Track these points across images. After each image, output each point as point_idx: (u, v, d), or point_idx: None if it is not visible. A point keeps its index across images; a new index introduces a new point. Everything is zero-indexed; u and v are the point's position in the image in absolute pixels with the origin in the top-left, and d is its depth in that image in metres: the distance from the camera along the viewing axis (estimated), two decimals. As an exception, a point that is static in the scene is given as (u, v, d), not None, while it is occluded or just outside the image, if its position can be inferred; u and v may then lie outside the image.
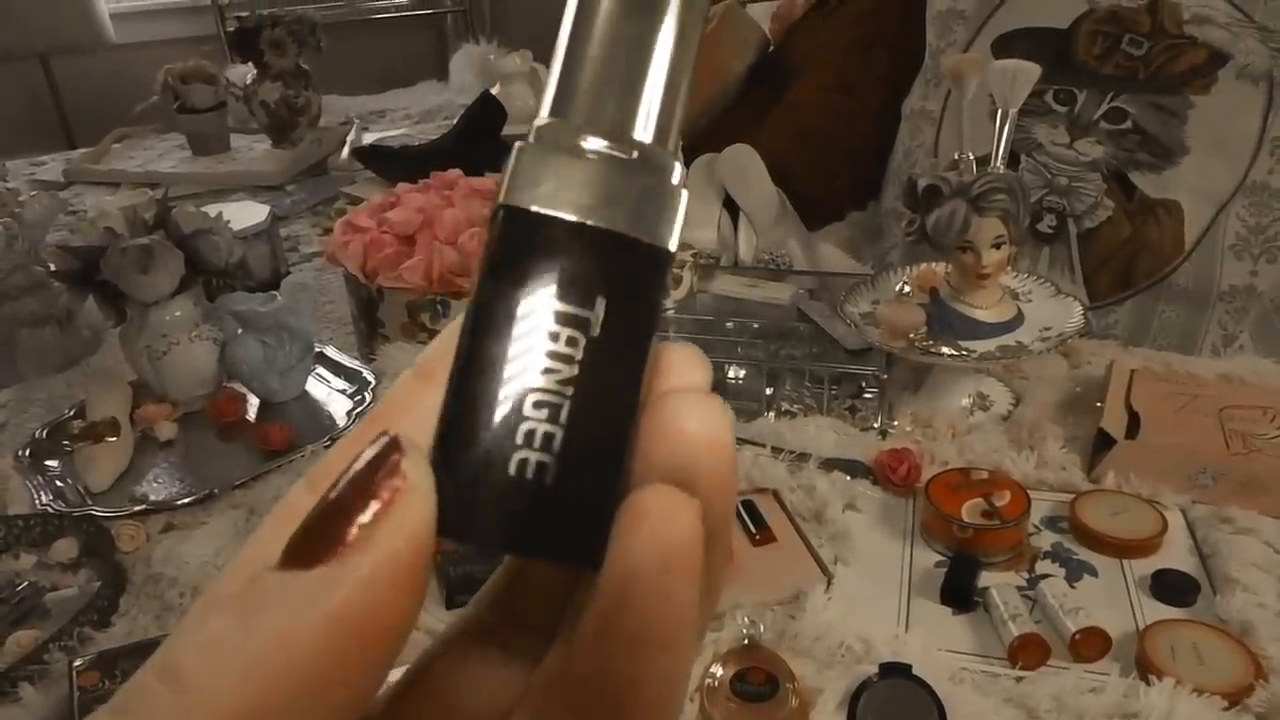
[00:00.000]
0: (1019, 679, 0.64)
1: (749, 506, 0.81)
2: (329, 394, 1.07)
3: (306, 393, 1.07)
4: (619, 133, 0.18)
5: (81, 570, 0.82)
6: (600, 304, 0.18)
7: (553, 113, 0.18)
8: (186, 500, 0.88)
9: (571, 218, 0.18)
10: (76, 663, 0.67)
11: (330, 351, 1.12)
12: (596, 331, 0.17)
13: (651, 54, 0.19)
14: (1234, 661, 0.63)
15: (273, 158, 2.01)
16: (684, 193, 0.19)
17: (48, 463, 0.96)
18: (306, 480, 0.18)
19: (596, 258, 0.18)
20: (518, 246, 0.18)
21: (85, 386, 1.06)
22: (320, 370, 1.10)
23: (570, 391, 0.17)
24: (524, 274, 0.17)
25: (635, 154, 0.18)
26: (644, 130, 0.19)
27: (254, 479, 0.90)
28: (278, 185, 1.91)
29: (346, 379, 1.08)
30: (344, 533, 0.15)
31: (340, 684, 0.15)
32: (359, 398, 1.03)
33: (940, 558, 0.76)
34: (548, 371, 0.17)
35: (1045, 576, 0.74)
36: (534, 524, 0.17)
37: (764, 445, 0.88)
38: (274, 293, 1.05)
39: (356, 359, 1.11)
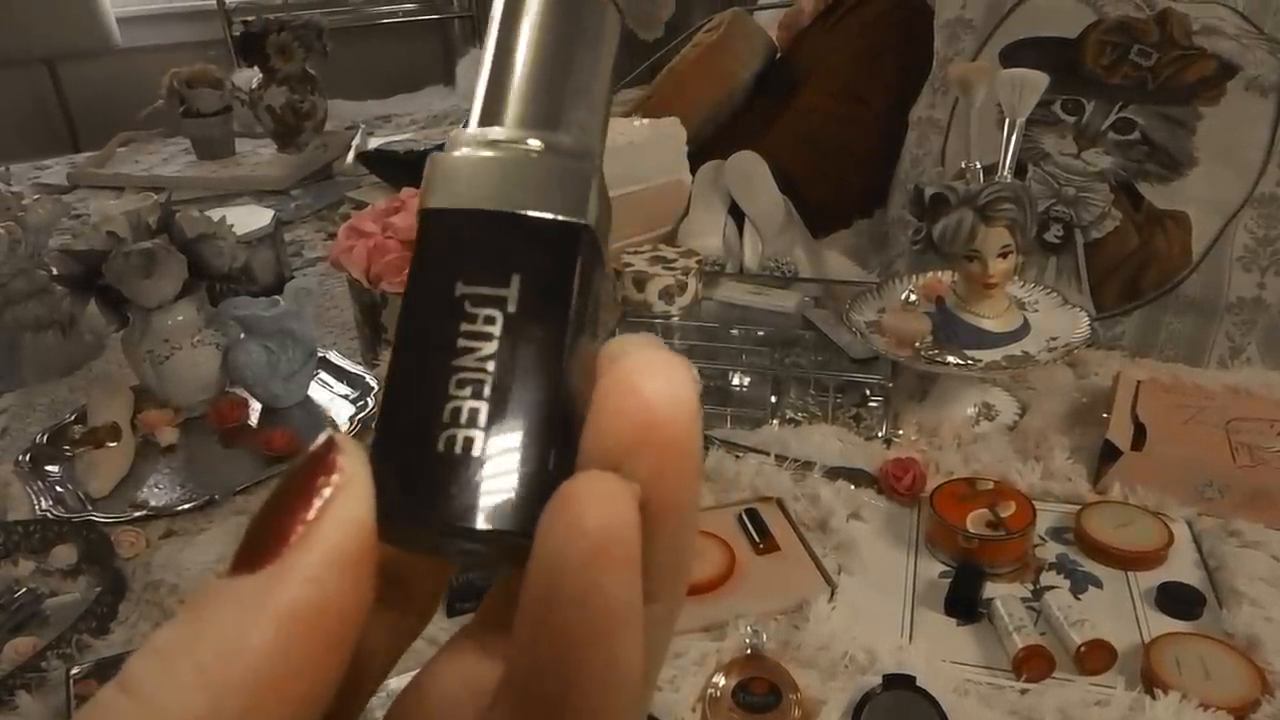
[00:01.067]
0: (1024, 691, 0.64)
1: (753, 515, 0.80)
2: (332, 399, 1.06)
3: (309, 398, 1.07)
4: (533, 132, 0.19)
5: (81, 576, 0.81)
6: (515, 281, 0.18)
7: (476, 124, 0.20)
8: (187, 506, 0.87)
9: (474, 206, 0.19)
10: (74, 671, 0.67)
11: (333, 357, 1.12)
12: (513, 308, 0.18)
13: (569, 59, 0.20)
14: (1240, 676, 0.63)
15: (278, 162, 2.01)
16: (598, 175, 0.19)
17: (48, 468, 0.96)
18: None
19: (505, 239, 0.18)
20: (432, 242, 0.19)
21: (87, 391, 1.06)
22: (323, 375, 1.10)
23: (491, 366, 0.18)
24: (437, 265, 0.18)
25: (536, 142, 0.19)
26: (562, 128, 0.19)
27: (256, 485, 0.89)
28: (283, 190, 1.91)
29: (349, 384, 1.08)
30: (287, 532, 0.15)
31: (295, 680, 0.15)
32: (362, 403, 1.02)
33: (945, 568, 0.76)
34: (466, 351, 0.18)
35: (1050, 588, 0.73)
36: (464, 497, 0.17)
37: (768, 453, 0.88)
38: (277, 298, 1.04)
39: (359, 364, 1.11)
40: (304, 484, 0.16)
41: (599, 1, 0.20)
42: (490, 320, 0.18)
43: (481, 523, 0.17)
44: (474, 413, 0.17)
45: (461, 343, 0.18)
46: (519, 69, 0.20)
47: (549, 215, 0.18)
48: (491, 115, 0.19)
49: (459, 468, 0.17)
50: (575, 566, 0.15)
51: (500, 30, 0.20)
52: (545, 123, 0.19)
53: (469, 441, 0.17)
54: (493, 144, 0.19)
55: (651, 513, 0.16)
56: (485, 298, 0.18)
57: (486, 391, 0.18)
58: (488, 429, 0.17)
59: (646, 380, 0.16)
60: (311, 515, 0.16)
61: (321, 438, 0.17)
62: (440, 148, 0.20)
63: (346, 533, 0.16)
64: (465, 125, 0.20)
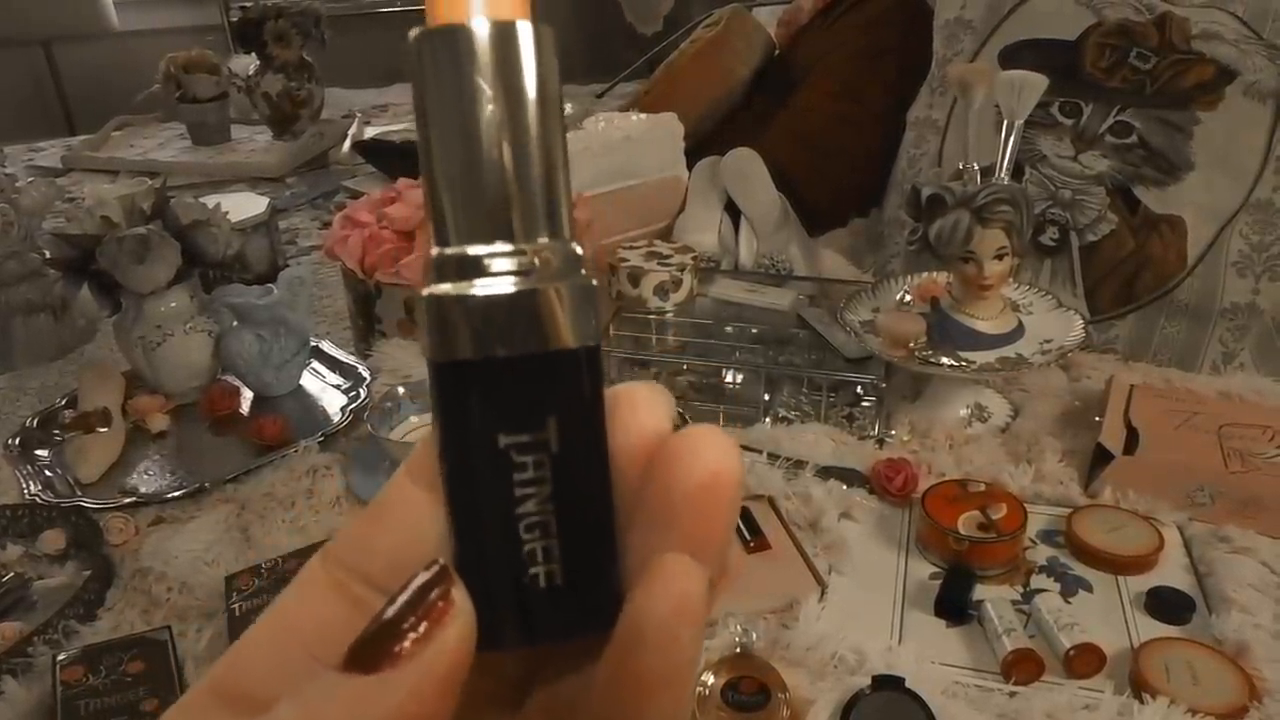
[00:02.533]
0: (1012, 694, 0.64)
1: (744, 513, 0.80)
2: (324, 389, 1.06)
3: (301, 387, 1.06)
4: (514, 240, 0.18)
5: (69, 562, 0.81)
6: (552, 422, 0.19)
7: (442, 243, 0.18)
8: (177, 493, 0.87)
9: (495, 354, 0.18)
10: (61, 657, 0.66)
11: (326, 346, 1.11)
12: (556, 448, 0.19)
13: (525, 145, 0.18)
14: (1229, 682, 0.63)
15: (274, 150, 2.00)
16: (593, 281, 0.19)
17: (38, 452, 0.96)
18: (323, 556, 0.21)
19: (533, 383, 0.18)
20: (458, 395, 0.18)
21: (78, 376, 1.06)
22: (316, 365, 1.09)
23: (551, 507, 0.19)
24: (474, 419, 0.18)
25: (537, 262, 0.18)
26: (540, 227, 0.18)
27: (246, 473, 0.89)
28: (278, 178, 1.90)
29: (342, 374, 1.07)
30: (399, 645, 0.18)
31: None
32: (354, 393, 1.02)
33: (935, 569, 0.76)
34: (525, 498, 0.19)
35: (1040, 591, 0.73)
36: (556, 618, 0.19)
37: (760, 451, 0.87)
38: (270, 286, 1.04)
39: (352, 354, 1.11)
40: (419, 604, 0.18)
41: (544, 39, 0.18)
42: (540, 465, 0.19)
43: (578, 634, 0.19)
44: (548, 550, 0.19)
45: (519, 492, 0.19)
46: (474, 163, 0.18)
47: (569, 348, 0.18)
48: (463, 227, 0.18)
49: (549, 597, 0.19)
50: (661, 622, 0.18)
51: (437, 109, 0.18)
52: (525, 229, 0.18)
53: (553, 575, 0.19)
54: (481, 270, 0.18)
55: (702, 556, 0.19)
56: (529, 445, 0.18)
57: (554, 530, 0.19)
58: (563, 560, 0.19)
59: (711, 451, 0.19)
60: (421, 633, 0.18)
61: (435, 566, 0.19)
62: (439, 268, 0.18)
63: (449, 656, 0.18)
64: (444, 242, 0.18)
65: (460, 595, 0.18)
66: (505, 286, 0.18)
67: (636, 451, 0.20)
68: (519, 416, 0.18)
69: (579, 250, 0.19)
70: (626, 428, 0.20)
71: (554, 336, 0.18)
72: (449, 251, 0.18)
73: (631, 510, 0.20)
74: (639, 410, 0.20)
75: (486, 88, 0.18)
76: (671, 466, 0.19)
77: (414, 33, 0.18)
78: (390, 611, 0.18)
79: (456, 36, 0.18)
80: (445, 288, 0.18)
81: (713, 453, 0.19)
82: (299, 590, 0.21)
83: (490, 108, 0.18)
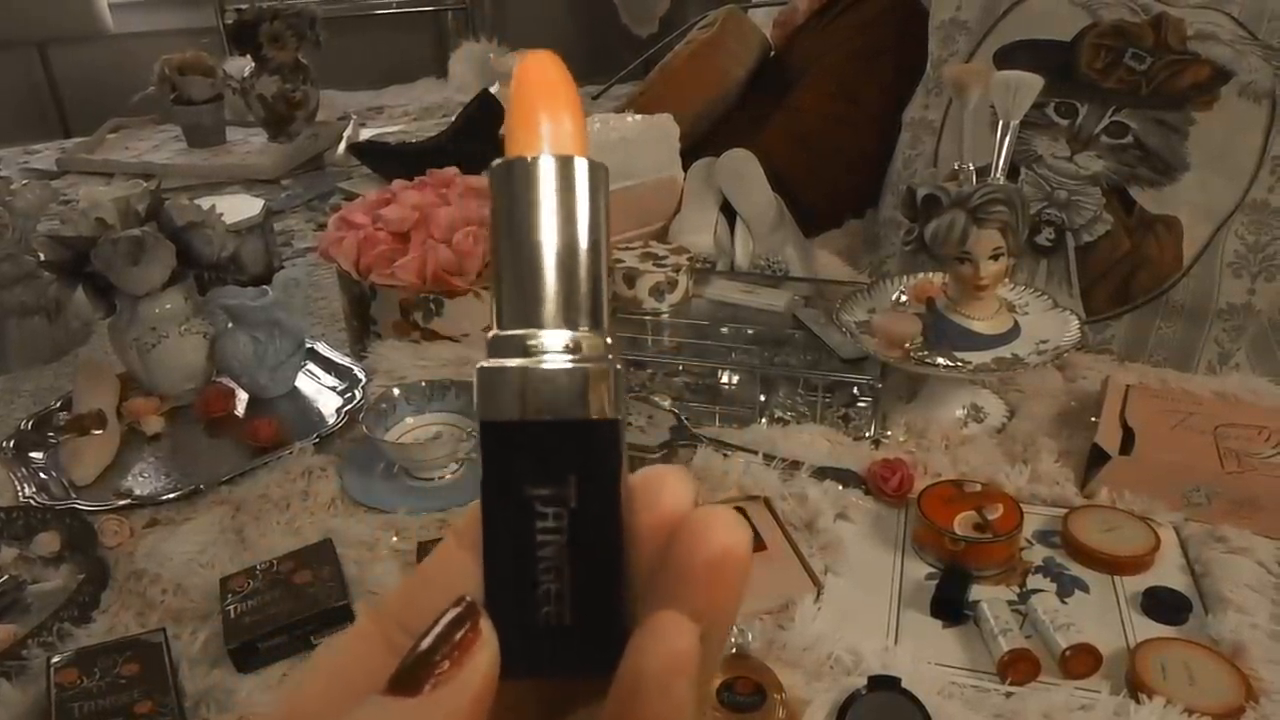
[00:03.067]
0: (1009, 694, 0.64)
1: (740, 514, 0.80)
2: (319, 391, 1.06)
3: (296, 389, 1.06)
4: (557, 327, 0.22)
5: (64, 565, 0.81)
6: (572, 480, 0.22)
7: (501, 325, 0.23)
8: (172, 495, 0.87)
9: (531, 418, 0.22)
10: (55, 659, 0.66)
11: (321, 348, 1.11)
12: (574, 503, 0.22)
13: (575, 255, 0.22)
14: (1225, 682, 0.63)
15: (269, 152, 2.00)
16: (618, 366, 0.23)
17: (32, 455, 0.95)
18: (373, 610, 0.24)
19: (561, 445, 0.22)
20: (497, 451, 0.22)
21: (73, 378, 1.05)
22: (311, 367, 1.09)
23: (566, 555, 0.22)
24: (507, 472, 0.22)
25: (576, 348, 0.22)
26: (581, 319, 0.22)
27: (241, 475, 0.89)
28: (273, 179, 1.90)
29: (337, 376, 1.07)
30: (436, 671, 0.21)
31: None
32: (349, 395, 1.02)
33: (931, 570, 0.76)
34: (544, 544, 0.22)
35: (1037, 591, 0.73)
36: (562, 656, 0.22)
37: (756, 452, 0.87)
38: (266, 288, 1.04)
39: (348, 356, 1.10)
40: (451, 635, 0.21)
41: (598, 173, 0.23)
42: (559, 516, 0.22)
43: (582, 673, 0.22)
44: (560, 594, 0.22)
45: (540, 538, 0.22)
46: (533, 267, 0.22)
47: (591, 417, 0.22)
48: (517, 315, 0.22)
49: (558, 636, 0.22)
50: (656, 675, 0.21)
51: (506, 221, 0.22)
52: (568, 319, 0.22)
53: (562, 615, 0.22)
54: (526, 351, 0.22)
55: (707, 629, 0.22)
56: (550, 497, 0.22)
57: (566, 575, 0.22)
58: (572, 605, 0.22)
59: (720, 532, 0.22)
60: (455, 659, 0.21)
61: (464, 602, 0.22)
62: (495, 345, 0.22)
63: (480, 680, 0.21)
64: (500, 325, 0.23)
65: (486, 627, 0.21)
66: (544, 363, 0.22)
67: (659, 526, 0.23)
68: (545, 471, 0.22)
69: (609, 341, 0.23)
70: (651, 504, 0.23)
71: (581, 407, 0.22)
72: (504, 333, 0.22)
73: (651, 579, 0.23)
74: (664, 490, 0.23)
75: (548, 209, 0.22)
76: (687, 543, 0.22)
77: (495, 162, 0.23)
78: (426, 642, 0.21)
79: (527, 167, 0.22)
80: (497, 361, 0.22)
81: (724, 532, 0.22)
82: (353, 642, 0.23)
83: (549, 224, 0.22)
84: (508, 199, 0.22)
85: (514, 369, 0.22)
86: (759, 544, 0.77)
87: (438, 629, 0.21)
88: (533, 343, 0.22)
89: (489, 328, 0.23)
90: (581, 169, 0.22)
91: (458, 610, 0.21)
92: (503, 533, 0.22)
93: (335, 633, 0.64)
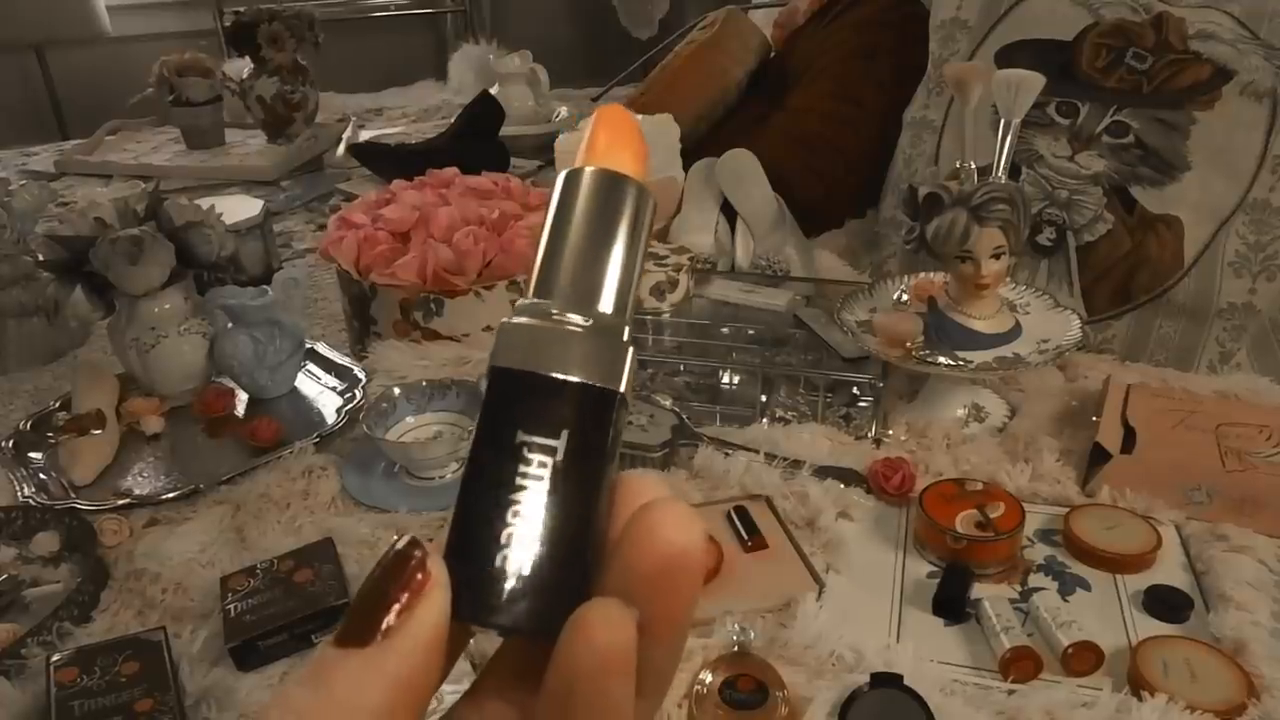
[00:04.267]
0: (1010, 692, 0.63)
1: (741, 513, 0.80)
2: (320, 391, 1.06)
3: (296, 389, 1.06)
4: (580, 306, 0.24)
5: (63, 564, 0.81)
6: (564, 435, 0.22)
7: (533, 295, 0.24)
8: (171, 495, 0.87)
9: (539, 371, 0.23)
10: (54, 658, 0.66)
11: (321, 348, 1.11)
12: (561, 457, 0.22)
13: (608, 248, 0.24)
14: (1227, 679, 0.63)
15: (268, 153, 2.00)
16: (631, 348, 0.24)
17: (31, 455, 0.95)
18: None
19: (560, 400, 0.23)
20: (500, 396, 0.23)
21: (71, 378, 1.05)
22: (311, 367, 1.09)
23: (541, 502, 0.22)
24: (505, 416, 0.23)
25: (591, 321, 0.23)
26: (602, 303, 0.24)
27: (241, 475, 0.89)
28: (272, 181, 1.90)
29: (337, 376, 1.07)
30: (386, 617, 0.20)
31: None
32: (349, 395, 1.02)
33: (933, 568, 0.76)
34: (520, 489, 0.22)
35: (1038, 589, 0.73)
36: (518, 609, 0.22)
37: (757, 451, 0.87)
38: (265, 288, 1.03)
39: (348, 356, 1.10)
40: (399, 578, 0.21)
41: (643, 193, 0.25)
42: (542, 465, 0.22)
43: (527, 627, 0.22)
44: (523, 540, 0.22)
45: (518, 481, 0.22)
46: (569, 252, 0.24)
47: (595, 383, 0.23)
48: (547, 289, 0.24)
49: (511, 583, 0.22)
50: (586, 674, 0.20)
51: (556, 214, 0.25)
52: (606, 306, 0.24)
53: (521, 563, 0.22)
54: (547, 315, 0.23)
55: (656, 630, 0.21)
56: (539, 446, 0.22)
57: (536, 528, 0.22)
58: (536, 556, 0.22)
59: (669, 530, 0.21)
60: (404, 603, 0.20)
61: (404, 540, 0.21)
62: (522, 309, 0.24)
63: (434, 621, 0.21)
64: (533, 295, 0.24)
65: (437, 567, 0.21)
66: (548, 322, 0.23)
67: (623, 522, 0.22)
68: (539, 421, 0.22)
69: (629, 327, 0.24)
70: (629, 503, 0.23)
71: (586, 370, 0.23)
72: (530, 300, 0.24)
73: (601, 575, 0.22)
74: (644, 492, 0.23)
75: (595, 214, 0.25)
76: (636, 540, 0.21)
77: (568, 169, 0.25)
78: (372, 585, 0.21)
79: (587, 175, 0.25)
80: (521, 319, 0.24)
81: (674, 530, 0.21)
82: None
83: (593, 225, 0.25)
84: (566, 201, 0.25)
85: (533, 324, 0.23)
86: (761, 542, 0.77)
87: (380, 569, 0.21)
88: (556, 310, 0.24)
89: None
90: (632, 187, 0.25)
91: (402, 548, 0.21)
92: (484, 472, 0.22)
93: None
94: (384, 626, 0.20)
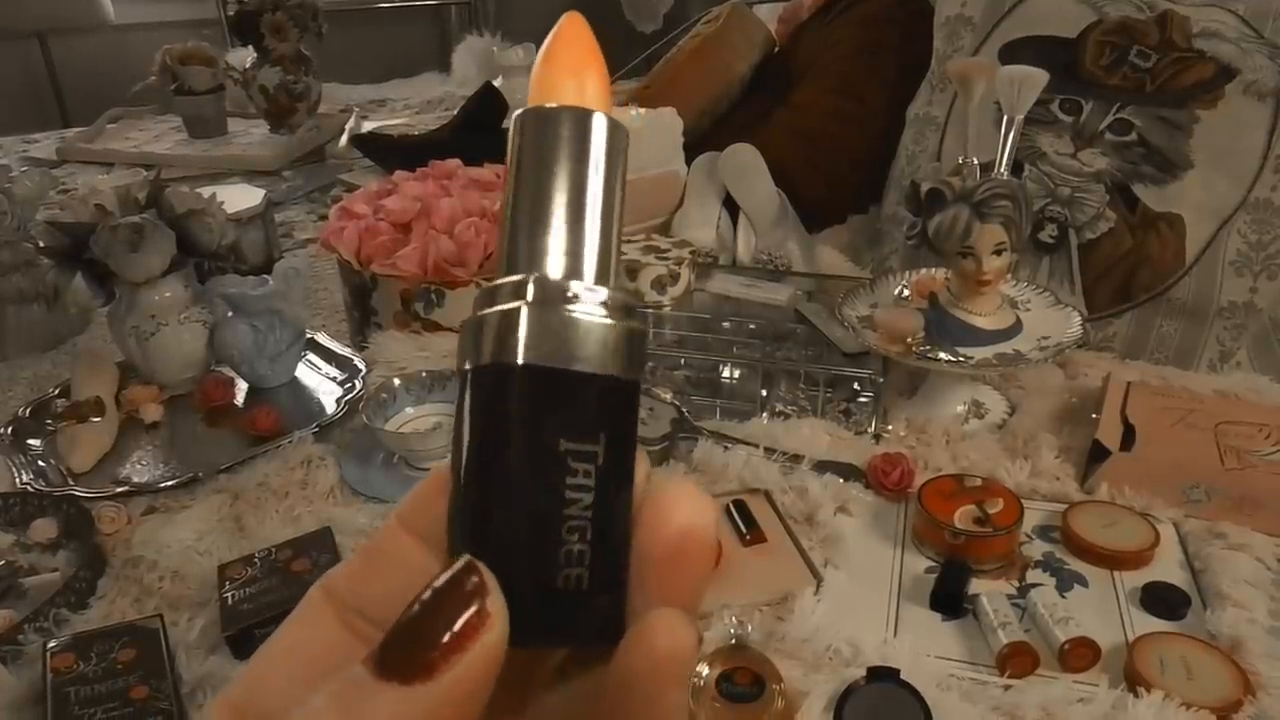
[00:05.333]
0: (1007, 687, 0.63)
1: (740, 506, 0.80)
2: (320, 381, 1.06)
3: (296, 379, 1.06)
4: (591, 284, 0.22)
5: (60, 551, 0.81)
6: (602, 438, 0.21)
7: (523, 267, 0.22)
8: (170, 483, 0.87)
9: (574, 369, 0.21)
10: (51, 644, 0.66)
11: (321, 338, 1.11)
12: (601, 461, 0.21)
13: (603, 208, 0.22)
14: (1223, 677, 0.63)
15: (270, 143, 1.99)
16: (645, 329, 0.23)
17: (30, 442, 0.95)
18: (323, 588, 0.23)
19: (598, 401, 0.21)
20: (533, 399, 0.21)
21: (71, 366, 1.05)
22: (311, 357, 1.09)
23: (590, 515, 0.21)
24: (544, 420, 0.21)
25: (614, 304, 0.22)
26: (605, 275, 0.22)
27: (240, 464, 0.89)
28: (274, 171, 1.90)
29: (338, 366, 1.07)
30: (433, 651, 0.18)
31: None
32: (349, 385, 1.02)
33: (931, 564, 0.76)
34: (572, 501, 0.21)
35: (1036, 586, 0.73)
36: (578, 623, 0.21)
37: (757, 446, 0.87)
38: (266, 276, 1.03)
39: (348, 346, 1.10)
40: (452, 610, 0.19)
41: (617, 130, 0.22)
42: (587, 474, 0.21)
43: (596, 641, 0.21)
44: (582, 554, 0.21)
45: (568, 494, 0.21)
46: (557, 215, 0.22)
47: (624, 377, 0.22)
48: (570, 269, 0.22)
49: (574, 601, 0.21)
50: (645, 681, 0.20)
51: (528, 168, 0.22)
52: (603, 279, 0.22)
53: (580, 579, 0.21)
54: (576, 302, 0.21)
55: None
56: (582, 453, 0.21)
57: (589, 536, 0.21)
58: (590, 567, 0.21)
59: (682, 513, 0.21)
60: (457, 634, 0.19)
61: (461, 563, 0.19)
62: (542, 287, 0.21)
63: (487, 661, 0.19)
64: (523, 266, 0.22)
65: (497, 602, 0.19)
66: (592, 316, 0.21)
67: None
68: (580, 427, 0.21)
69: (633, 301, 0.22)
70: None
71: (620, 367, 0.21)
72: (549, 277, 0.21)
73: None
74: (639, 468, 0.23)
75: (573, 166, 0.22)
76: (649, 522, 0.21)
77: (519, 111, 0.22)
78: (422, 613, 0.19)
79: (547, 116, 0.22)
80: (544, 305, 0.21)
81: (687, 511, 0.21)
82: (306, 618, 0.22)
83: (591, 176, 0.22)
84: (535, 144, 0.22)
85: (568, 315, 0.21)
86: (759, 536, 0.77)
87: (432, 593, 0.19)
88: (574, 293, 0.21)
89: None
90: (600, 124, 0.22)
91: (457, 573, 0.19)
92: (526, 487, 0.20)
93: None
94: (431, 662, 0.18)
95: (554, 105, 0.22)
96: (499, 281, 0.22)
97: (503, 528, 0.20)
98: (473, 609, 0.19)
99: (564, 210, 0.22)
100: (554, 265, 0.22)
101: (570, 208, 0.22)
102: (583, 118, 0.22)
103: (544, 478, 0.21)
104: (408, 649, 0.18)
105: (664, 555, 0.21)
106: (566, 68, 0.23)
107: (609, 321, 0.21)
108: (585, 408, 0.21)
